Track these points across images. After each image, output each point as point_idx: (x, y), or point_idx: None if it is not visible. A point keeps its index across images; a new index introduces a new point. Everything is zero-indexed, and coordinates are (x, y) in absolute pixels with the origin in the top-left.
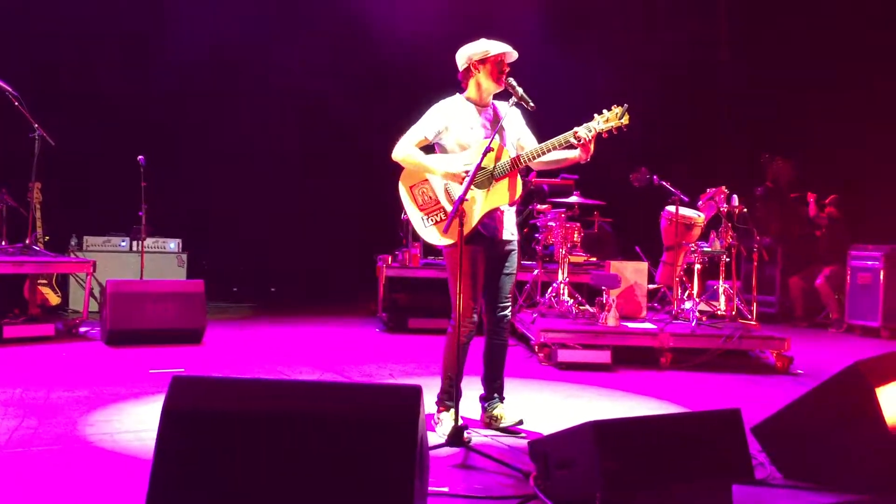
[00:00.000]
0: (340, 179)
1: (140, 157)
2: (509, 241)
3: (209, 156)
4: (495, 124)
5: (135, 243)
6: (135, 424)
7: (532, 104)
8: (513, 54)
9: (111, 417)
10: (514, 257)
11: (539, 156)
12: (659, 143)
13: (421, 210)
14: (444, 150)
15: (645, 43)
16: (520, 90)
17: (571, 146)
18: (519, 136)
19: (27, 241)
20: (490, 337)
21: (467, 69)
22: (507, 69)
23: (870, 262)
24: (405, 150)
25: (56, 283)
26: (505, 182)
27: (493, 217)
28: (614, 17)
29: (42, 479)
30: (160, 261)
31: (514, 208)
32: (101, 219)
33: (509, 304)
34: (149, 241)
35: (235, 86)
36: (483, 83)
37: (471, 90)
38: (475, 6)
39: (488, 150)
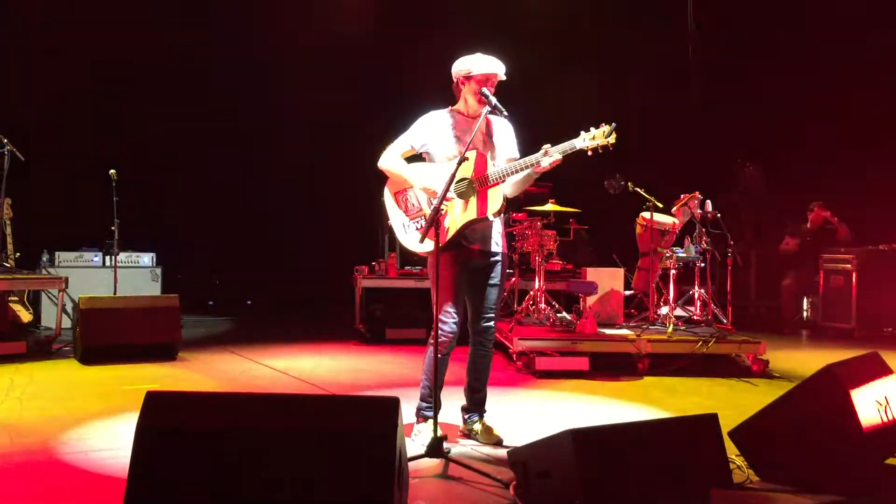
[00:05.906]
0: (318, 190)
1: (111, 170)
2: (495, 253)
3: (184, 170)
4: (487, 136)
5: (108, 258)
6: (109, 442)
7: (505, 113)
8: (499, 74)
9: (85, 435)
10: (500, 269)
11: (508, 175)
12: (633, 149)
13: (406, 214)
14: (431, 160)
15: (619, 50)
16: (493, 99)
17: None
18: (507, 153)
19: None
20: (474, 348)
21: (456, 83)
22: (493, 88)
23: (842, 266)
24: (389, 160)
25: (28, 300)
26: (487, 193)
27: (476, 228)
28: (586, 20)
29: (15, 498)
30: (134, 275)
31: (499, 219)
32: (72, 234)
33: (494, 315)
34: (122, 256)
35: (204, 94)
36: (468, 99)
37: (460, 103)
38: None
39: (462, 160)
